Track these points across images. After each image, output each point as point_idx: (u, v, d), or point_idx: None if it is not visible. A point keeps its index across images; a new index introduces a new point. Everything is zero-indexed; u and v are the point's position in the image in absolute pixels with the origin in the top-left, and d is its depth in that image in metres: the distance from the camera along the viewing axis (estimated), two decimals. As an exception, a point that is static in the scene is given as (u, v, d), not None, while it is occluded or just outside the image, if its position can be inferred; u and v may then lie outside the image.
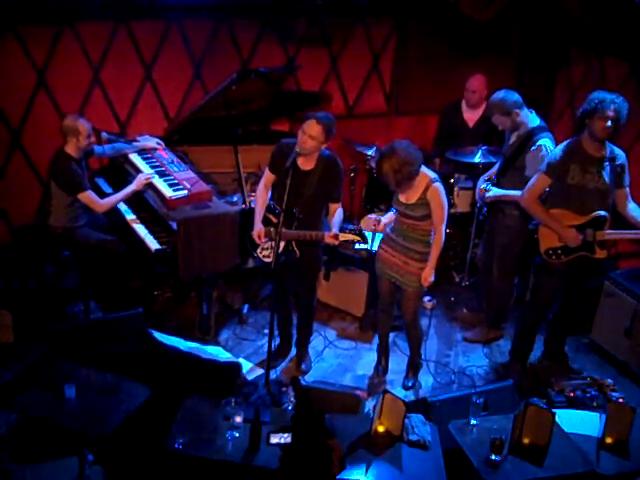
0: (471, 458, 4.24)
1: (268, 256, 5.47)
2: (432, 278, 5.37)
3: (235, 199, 6.15)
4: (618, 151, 5.38)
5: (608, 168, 5.31)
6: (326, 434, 3.82)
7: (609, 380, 5.70)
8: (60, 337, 5.01)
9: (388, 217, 5.47)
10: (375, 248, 5.81)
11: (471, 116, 7.30)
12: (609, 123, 5.12)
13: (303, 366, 6.04)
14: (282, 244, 5.40)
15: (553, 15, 7.32)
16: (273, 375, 5.75)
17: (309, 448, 3.58)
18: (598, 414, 4.69)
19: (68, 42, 6.74)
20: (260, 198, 5.58)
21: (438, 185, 5.21)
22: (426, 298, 6.81)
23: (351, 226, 5.35)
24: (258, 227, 5.49)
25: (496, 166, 6.22)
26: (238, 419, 4.33)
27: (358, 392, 5.14)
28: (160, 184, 6.08)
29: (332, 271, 6.60)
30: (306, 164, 5.35)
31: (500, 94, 5.82)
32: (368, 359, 6.24)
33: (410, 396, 5.78)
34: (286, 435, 4.23)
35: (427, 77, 8.21)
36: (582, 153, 5.29)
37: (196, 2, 6.98)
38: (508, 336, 6.42)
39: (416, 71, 8.27)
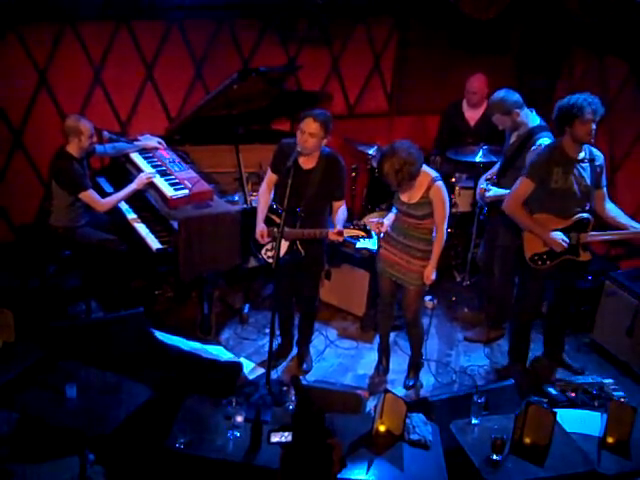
0: (472, 458, 4.24)
1: (272, 257, 5.46)
2: (434, 276, 5.37)
3: (236, 199, 6.16)
4: (596, 152, 5.39)
5: (588, 169, 5.32)
6: (327, 433, 3.82)
7: (610, 380, 5.69)
8: (61, 337, 5.01)
9: (390, 218, 5.47)
10: (376, 247, 5.80)
11: (472, 115, 7.30)
12: (593, 126, 5.12)
13: (304, 366, 6.04)
14: (286, 244, 5.40)
15: (553, 15, 7.32)
16: (274, 375, 5.75)
17: (310, 447, 3.58)
18: (599, 414, 4.69)
19: (69, 42, 6.75)
20: (262, 198, 5.58)
21: (440, 184, 5.22)
22: (427, 298, 6.80)
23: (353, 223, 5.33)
24: (260, 227, 5.49)
25: (497, 166, 6.21)
26: (239, 419, 4.32)
27: (359, 392, 5.14)
28: (161, 183, 6.08)
29: (334, 267, 6.60)
30: (307, 163, 5.35)
31: (500, 94, 5.82)
32: (369, 359, 6.24)
33: (411, 396, 5.78)
34: (287, 434, 4.23)
35: (428, 77, 8.21)
36: (564, 156, 5.27)
37: (197, 2, 6.98)
38: (509, 336, 6.41)
39: (417, 71, 8.28)
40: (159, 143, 6.63)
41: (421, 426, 4.46)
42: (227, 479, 4.22)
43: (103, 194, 6.22)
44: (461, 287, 7.24)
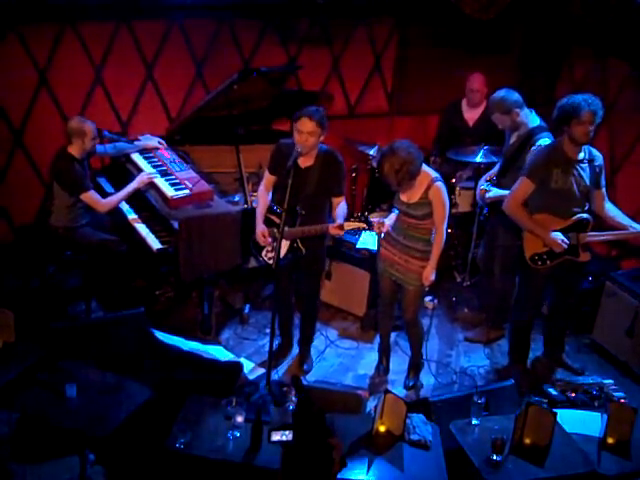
0: (472, 458, 4.24)
1: (273, 258, 5.45)
2: (433, 277, 5.37)
3: (237, 199, 6.16)
4: (596, 152, 5.40)
5: (588, 170, 5.32)
6: (327, 432, 3.82)
7: (610, 380, 5.69)
8: (61, 337, 5.01)
9: (391, 218, 5.46)
10: (376, 247, 5.80)
11: (471, 115, 7.31)
12: (590, 127, 5.12)
13: (305, 366, 6.04)
14: (287, 243, 5.40)
15: (554, 15, 7.32)
16: (274, 375, 5.75)
17: (310, 446, 3.58)
18: (599, 414, 4.68)
19: (70, 42, 6.75)
20: (261, 200, 5.59)
21: (440, 184, 5.22)
22: (427, 298, 6.79)
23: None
24: (260, 228, 5.49)
25: (497, 166, 6.21)
26: (239, 419, 4.32)
27: (359, 392, 5.14)
28: (162, 183, 6.08)
29: (335, 267, 6.60)
30: (305, 161, 5.35)
31: (501, 93, 5.82)
32: (369, 359, 6.24)
33: (411, 396, 5.78)
34: (287, 433, 4.23)
35: (428, 77, 8.20)
36: (563, 156, 5.28)
37: (198, 2, 6.98)
38: (509, 336, 6.41)
39: (417, 71, 8.27)
40: (159, 143, 6.63)
41: (421, 426, 4.46)
42: (227, 479, 4.22)
43: (103, 194, 6.23)
44: (461, 287, 7.23)
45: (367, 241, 6.39)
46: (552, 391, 5.50)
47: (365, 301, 6.59)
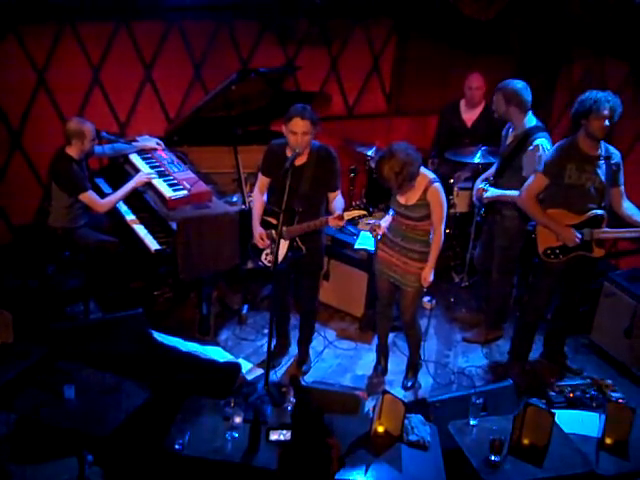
0: (471, 459, 4.24)
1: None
2: (431, 278, 5.37)
3: (235, 199, 6.16)
4: (613, 150, 5.40)
5: (604, 167, 5.33)
6: (325, 432, 3.82)
7: (609, 380, 5.69)
8: (60, 337, 5.01)
9: (387, 220, 5.46)
10: (374, 249, 5.79)
11: (470, 116, 7.30)
12: (606, 122, 5.15)
13: (303, 366, 6.04)
14: (286, 243, 5.40)
15: (553, 15, 7.32)
16: (273, 375, 5.75)
17: (308, 446, 3.58)
18: (598, 414, 4.69)
19: (68, 42, 6.76)
20: (257, 202, 5.58)
21: (437, 185, 5.22)
22: (426, 298, 6.80)
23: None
24: (258, 230, 5.48)
25: (494, 167, 6.22)
26: (238, 419, 4.33)
27: (358, 392, 5.13)
28: (160, 184, 6.08)
29: (333, 268, 6.61)
30: (299, 160, 5.32)
31: (520, 84, 5.75)
32: (368, 359, 6.24)
33: (410, 396, 5.78)
34: (285, 432, 4.23)
35: (427, 77, 8.22)
36: (578, 152, 5.30)
37: (196, 3, 6.98)
38: (507, 336, 6.42)
39: (416, 72, 8.29)
40: (158, 144, 6.64)
41: (420, 427, 4.46)
42: (225, 480, 4.23)
43: (102, 195, 6.23)
44: (460, 288, 7.23)
45: (365, 242, 6.39)
46: (550, 391, 5.51)
47: (363, 302, 6.59)
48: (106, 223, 6.32)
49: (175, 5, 6.89)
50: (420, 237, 5.33)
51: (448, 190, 6.78)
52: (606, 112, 5.14)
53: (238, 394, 5.12)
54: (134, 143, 6.64)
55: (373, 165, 7.11)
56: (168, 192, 5.96)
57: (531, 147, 5.66)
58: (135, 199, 6.20)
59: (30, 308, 5.94)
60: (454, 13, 7.11)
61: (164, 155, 6.54)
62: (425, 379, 6.04)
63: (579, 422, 4.67)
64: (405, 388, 5.88)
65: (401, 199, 5.29)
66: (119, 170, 6.58)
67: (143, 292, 6.55)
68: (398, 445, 4.34)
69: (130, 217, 6.20)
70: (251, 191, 6.09)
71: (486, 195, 5.93)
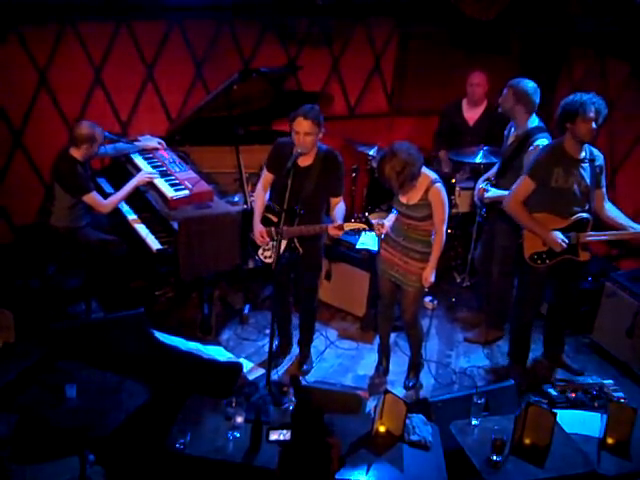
0: (472, 458, 4.24)
1: (270, 257, 5.46)
2: (432, 278, 5.36)
3: (236, 199, 6.16)
4: (597, 152, 5.40)
5: (588, 169, 5.32)
6: (325, 431, 3.82)
7: (610, 380, 5.69)
8: (61, 337, 5.01)
9: (390, 219, 5.46)
10: (377, 248, 5.79)
11: (472, 115, 7.30)
12: (593, 125, 5.13)
13: (304, 366, 6.04)
14: (284, 243, 5.40)
15: (554, 16, 7.32)
16: (274, 375, 5.75)
17: (308, 445, 3.58)
18: (599, 414, 4.69)
19: (70, 42, 6.76)
20: (259, 199, 5.58)
21: (439, 186, 5.21)
22: (427, 298, 6.81)
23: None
24: (258, 227, 5.49)
25: (495, 167, 6.22)
26: (239, 419, 4.33)
27: (359, 392, 5.14)
28: (161, 184, 6.08)
29: (335, 268, 6.61)
30: (305, 161, 5.34)
31: (532, 85, 5.74)
32: (369, 359, 6.24)
33: (411, 396, 5.78)
34: (285, 432, 4.23)
35: (428, 77, 8.21)
36: (565, 156, 5.28)
37: (198, 2, 6.98)
38: (509, 337, 6.41)
39: (417, 71, 8.29)
40: (159, 144, 6.64)
41: (421, 427, 4.46)
42: (227, 480, 4.23)
43: (103, 195, 6.22)
44: (461, 288, 7.22)
45: (367, 241, 6.39)
46: (552, 391, 5.52)
47: (365, 301, 6.59)
48: (107, 223, 6.31)
49: (176, 5, 6.89)
50: (422, 237, 5.33)
51: (450, 190, 6.80)
52: (592, 114, 5.11)
53: (239, 394, 5.11)
54: (136, 143, 6.64)
55: (375, 165, 7.12)
56: (170, 192, 5.96)
57: (531, 147, 5.66)
58: (137, 199, 6.20)
59: (31, 308, 5.94)
60: (455, 13, 7.11)
61: (166, 155, 6.54)
62: (427, 379, 6.03)
63: (581, 422, 4.67)
64: (406, 388, 5.88)
65: (403, 199, 5.29)
66: (121, 170, 6.58)
67: (144, 292, 6.55)
68: (399, 445, 4.34)
69: (132, 217, 6.20)
70: (253, 191, 6.09)
71: (487, 195, 5.93)
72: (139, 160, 6.47)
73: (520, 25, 7.81)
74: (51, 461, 4.17)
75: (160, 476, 4.36)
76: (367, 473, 4.12)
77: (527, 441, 4.29)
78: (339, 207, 5.45)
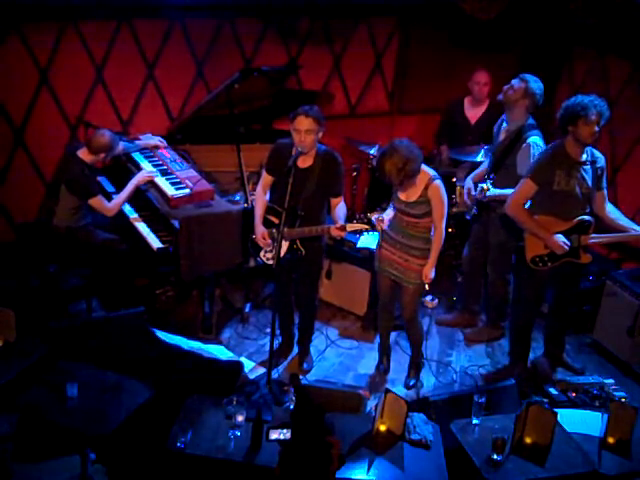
0: (473, 457, 4.24)
1: (272, 258, 5.45)
2: (432, 275, 5.37)
3: (237, 198, 6.15)
4: (598, 154, 5.39)
5: (590, 171, 5.32)
6: (325, 430, 3.82)
7: (611, 380, 5.69)
8: (62, 336, 5.02)
9: (389, 214, 5.46)
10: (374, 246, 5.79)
11: (473, 114, 7.29)
12: (596, 128, 5.12)
13: (305, 365, 6.05)
14: (286, 244, 5.40)
15: (555, 15, 7.31)
16: (275, 374, 5.75)
17: (308, 444, 3.58)
18: (600, 414, 4.68)
19: (71, 41, 6.74)
20: (259, 201, 5.58)
21: (438, 182, 5.23)
22: (428, 297, 6.82)
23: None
24: (260, 229, 5.49)
25: (483, 165, 6.20)
26: (240, 418, 4.33)
27: (360, 391, 5.14)
28: (162, 183, 6.08)
29: (335, 267, 6.61)
30: (305, 162, 5.35)
31: (542, 86, 5.77)
32: (370, 358, 6.24)
33: (412, 395, 5.78)
34: (285, 431, 4.23)
35: (429, 76, 8.21)
36: (566, 158, 5.27)
37: (199, 1, 6.98)
38: (509, 336, 6.41)
39: (418, 70, 8.28)
40: (160, 142, 6.63)
41: (422, 426, 4.46)
42: (228, 479, 4.22)
43: (104, 193, 6.23)
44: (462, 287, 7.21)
45: (368, 240, 6.39)
46: (553, 391, 5.51)
47: (366, 300, 6.59)
48: (109, 222, 6.31)
49: (178, 3, 6.88)
50: (421, 234, 5.34)
51: (451, 189, 6.78)
52: (594, 117, 5.10)
53: (240, 393, 5.13)
54: (137, 141, 6.64)
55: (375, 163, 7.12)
56: (170, 190, 5.96)
57: (524, 144, 5.66)
58: (137, 198, 6.20)
59: (32, 306, 5.94)
60: (456, 12, 7.10)
61: (167, 154, 6.54)
62: (427, 378, 6.04)
63: (581, 421, 4.67)
64: (407, 387, 5.88)
65: (402, 196, 5.29)
66: (122, 169, 6.57)
67: (145, 290, 6.55)
68: (400, 444, 4.34)
69: (133, 215, 6.21)
70: (253, 190, 6.09)
71: (488, 194, 5.90)
72: (140, 159, 6.47)
73: (521, 24, 7.81)
74: (52, 459, 4.17)
75: (161, 475, 4.36)
76: (367, 472, 4.13)
77: (528, 440, 4.29)
78: (340, 207, 5.45)
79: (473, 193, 6.06)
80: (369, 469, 4.15)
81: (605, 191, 5.47)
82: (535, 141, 5.65)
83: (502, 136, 5.93)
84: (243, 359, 5.82)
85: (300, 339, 6.10)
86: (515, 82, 5.83)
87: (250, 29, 7.48)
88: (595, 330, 6.40)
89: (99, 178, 6.59)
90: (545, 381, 5.77)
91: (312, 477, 3.52)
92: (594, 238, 5.42)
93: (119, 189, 6.22)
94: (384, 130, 8.31)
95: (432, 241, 5.34)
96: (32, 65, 6.69)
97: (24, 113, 6.84)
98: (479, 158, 6.79)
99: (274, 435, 4.24)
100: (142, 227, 6.08)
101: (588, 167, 5.31)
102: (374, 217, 5.27)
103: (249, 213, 5.84)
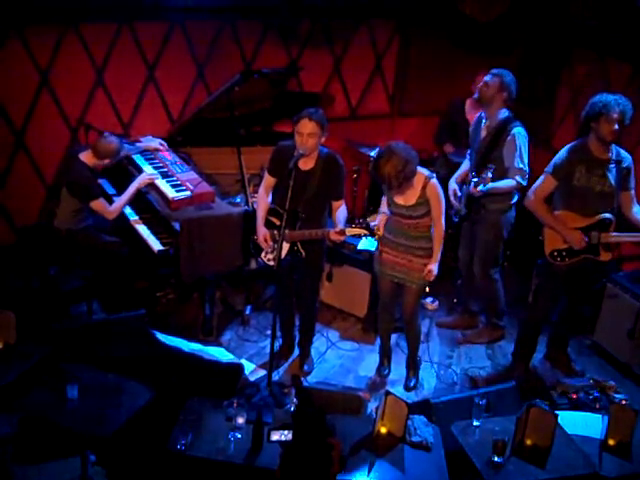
0: (473, 460, 4.24)
1: (273, 259, 5.45)
2: (436, 271, 5.39)
3: (238, 200, 6.15)
4: (624, 154, 5.38)
5: (614, 171, 5.31)
6: (326, 432, 3.82)
7: (612, 382, 5.68)
8: (63, 338, 5.01)
9: (380, 218, 5.48)
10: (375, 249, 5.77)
11: (474, 115, 7.25)
12: (616, 126, 5.12)
13: (305, 367, 6.04)
14: (287, 246, 5.40)
15: (555, 17, 7.32)
16: (275, 376, 5.75)
17: (309, 446, 3.58)
18: (601, 416, 4.68)
19: (71, 43, 6.76)
20: (261, 203, 5.58)
21: (435, 181, 5.26)
22: (429, 300, 6.82)
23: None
24: (262, 231, 5.49)
25: (465, 165, 6.19)
26: (240, 420, 4.33)
27: (360, 393, 5.14)
28: (163, 185, 6.09)
29: (336, 269, 6.61)
30: (306, 164, 5.35)
31: (512, 77, 5.79)
32: (370, 360, 6.24)
33: (412, 396, 5.77)
34: (287, 432, 4.23)
35: (430, 78, 8.22)
36: (588, 155, 5.28)
37: (199, 3, 6.99)
38: (510, 337, 6.42)
39: (419, 72, 8.30)
40: (161, 144, 6.64)
41: (422, 428, 4.46)
42: (228, 481, 4.23)
43: (105, 196, 6.23)
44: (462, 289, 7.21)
45: (368, 243, 6.39)
46: (553, 393, 5.50)
47: (366, 302, 6.59)
48: (109, 224, 6.31)
49: (178, 6, 6.90)
50: (422, 234, 5.37)
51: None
52: (616, 115, 5.11)
53: (241, 395, 5.12)
54: (137, 144, 6.64)
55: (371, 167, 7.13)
56: (171, 193, 5.97)
57: (509, 137, 5.67)
58: (138, 200, 6.20)
59: (33, 309, 5.93)
60: (457, 14, 7.11)
61: (167, 156, 6.54)
62: (428, 380, 6.04)
63: (582, 423, 4.67)
64: (407, 388, 5.88)
65: (399, 200, 5.30)
66: (122, 171, 6.57)
67: (146, 293, 6.54)
68: (401, 446, 4.33)
69: (133, 218, 6.21)
70: (254, 192, 6.10)
71: (480, 189, 5.80)
72: (140, 161, 6.47)
73: (521, 26, 7.82)
74: (52, 461, 4.16)
75: (161, 477, 4.36)
76: (368, 474, 4.12)
77: (528, 442, 4.28)
78: (341, 210, 5.45)
79: (459, 194, 6.05)
80: (370, 471, 4.14)
81: (632, 192, 5.45)
82: (519, 131, 5.69)
83: (483, 133, 5.93)
84: (244, 361, 5.81)
85: (301, 341, 6.11)
86: (488, 78, 5.84)
87: (250, 31, 7.50)
88: (596, 332, 6.39)
89: (100, 180, 6.59)
90: (546, 383, 5.77)
91: (313, 479, 3.52)
92: (614, 236, 5.41)
93: (120, 191, 6.23)
94: (384, 132, 8.31)
95: (433, 238, 5.36)
96: (33, 67, 6.71)
97: (25, 115, 6.85)
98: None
99: (275, 436, 4.25)
100: (143, 229, 6.08)
101: (612, 166, 5.30)
102: (372, 223, 5.27)
103: (250, 215, 5.84)
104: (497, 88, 5.76)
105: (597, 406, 5.29)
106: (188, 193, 5.94)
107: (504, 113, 5.83)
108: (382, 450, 4.30)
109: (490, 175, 5.73)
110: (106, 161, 5.97)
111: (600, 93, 5.29)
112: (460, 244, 6.54)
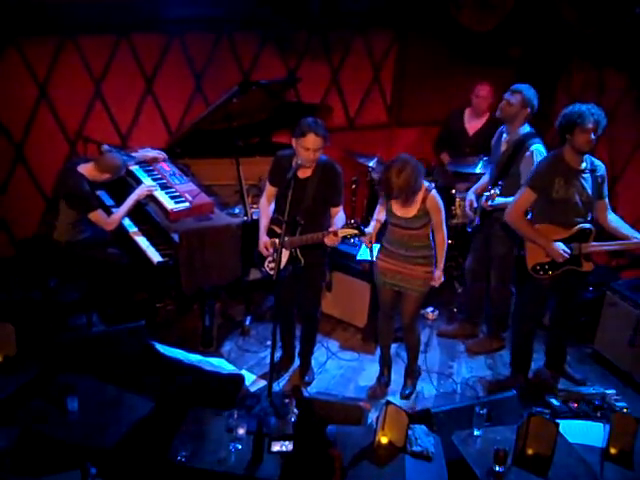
0: (475, 469, 4.22)
1: (273, 268, 5.45)
2: (442, 278, 5.45)
3: (237, 211, 6.16)
4: (598, 162, 5.39)
5: (590, 180, 5.32)
6: (327, 443, 3.81)
7: (612, 390, 5.68)
8: (62, 350, 5.01)
9: (373, 227, 5.50)
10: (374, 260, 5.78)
11: (473, 125, 7.30)
12: (592, 136, 5.13)
13: (306, 377, 6.04)
14: (287, 253, 5.40)
15: (552, 27, 7.34)
16: (276, 387, 5.74)
17: (310, 456, 3.58)
18: (602, 424, 4.67)
19: (70, 55, 6.78)
20: (264, 212, 5.59)
21: (434, 192, 5.29)
22: (428, 309, 6.82)
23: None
24: (263, 239, 5.49)
25: (485, 177, 6.22)
26: (241, 431, 4.32)
27: (361, 403, 5.12)
28: (162, 196, 6.09)
29: (335, 279, 6.61)
30: (305, 172, 5.35)
31: (533, 90, 5.80)
32: (371, 370, 6.23)
33: (409, 405, 5.76)
34: (287, 443, 4.22)
35: (428, 88, 8.24)
36: (565, 166, 5.28)
37: (197, 15, 7.01)
38: (510, 347, 6.40)
39: (417, 82, 8.31)
40: (159, 154, 6.64)
41: (423, 437, 4.44)
42: (229, 492, 4.21)
43: (104, 207, 6.23)
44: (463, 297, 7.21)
45: (367, 253, 6.38)
46: (554, 401, 5.51)
47: (366, 312, 6.59)
48: (108, 235, 6.31)
49: (176, 18, 6.92)
50: (422, 243, 5.40)
51: (450, 201, 6.80)
52: (590, 125, 5.11)
53: (241, 406, 5.11)
54: (135, 154, 6.64)
55: (375, 176, 7.13)
56: (170, 204, 5.97)
57: (528, 153, 5.67)
58: (137, 211, 6.20)
59: (32, 321, 5.93)
60: (454, 25, 7.13)
61: (166, 167, 6.55)
62: (428, 390, 6.03)
63: (583, 432, 4.66)
64: (403, 396, 5.87)
65: (399, 212, 5.32)
66: (121, 182, 6.56)
67: (146, 304, 6.55)
68: (402, 456, 4.32)
69: (132, 229, 6.21)
70: (253, 203, 6.11)
71: (492, 203, 5.85)
72: (139, 172, 6.47)
73: (518, 37, 7.84)
74: (52, 474, 4.15)
75: (162, 488, 4.35)
76: (369, 484, 4.12)
77: (530, 451, 4.27)
78: (338, 217, 5.46)
79: (475, 205, 6.07)
80: (371, 481, 4.14)
81: (607, 200, 5.47)
82: (538, 148, 5.67)
83: (503, 147, 5.94)
84: (244, 372, 5.81)
85: (301, 351, 6.10)
86: (508, 96, 5.85)
87: (248, 43, 7.52)
88: (596, 340, 6.39)
89: (98, 192, 6.60)
90: (546, 392, 5.76)
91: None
92: (595, 246, 5.42)
93: (118, 203, 6.23)
94: (383, 142, 8.34)
95: (434, 246, 5.40)
96: (31, 80, 6.72)
97: (23, 128, 6.86)
98: (477, 169, 6.80)
99: (276, 447, 4.24)
100: (142, 241, 6.08)
101: (588, 175, 5.31)
102: (366, 230, 5.26)
103: (249, 226, 5.85)
104: (520, 105, 5.78)
105: (598, 414, 5.30)
106: (187, 204, 5.95)
107: (525, 128, 5.85)
108: (383, 460, 4.28)
109: (497, 191, 5.79)
110: (106, 176, 5.97)
111: (572, 104, 5.28)
112: (469, 254, 6.56)
